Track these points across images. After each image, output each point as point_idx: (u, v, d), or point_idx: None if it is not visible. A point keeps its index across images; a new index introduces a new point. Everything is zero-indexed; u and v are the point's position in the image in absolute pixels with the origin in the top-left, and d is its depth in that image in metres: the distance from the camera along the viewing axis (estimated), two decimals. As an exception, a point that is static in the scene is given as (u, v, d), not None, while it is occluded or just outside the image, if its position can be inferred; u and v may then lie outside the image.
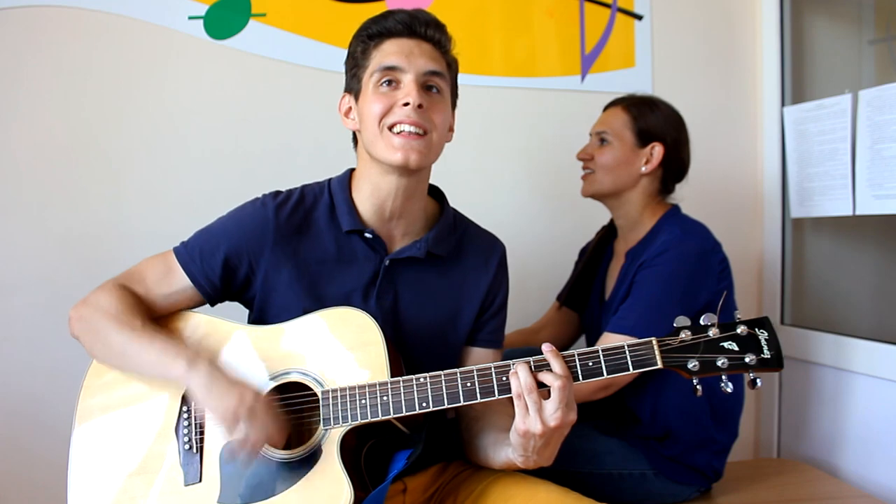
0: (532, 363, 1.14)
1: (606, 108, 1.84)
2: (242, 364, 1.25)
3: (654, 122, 1.75)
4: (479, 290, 1.40)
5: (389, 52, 1.27)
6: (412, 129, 1.24)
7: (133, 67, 1.92)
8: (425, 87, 1.27)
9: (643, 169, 1.73)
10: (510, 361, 1.16)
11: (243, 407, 1.13)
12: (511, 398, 1.15)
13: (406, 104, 1.24)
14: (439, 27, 1.31)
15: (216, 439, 1.22)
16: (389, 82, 1.27)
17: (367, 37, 1.30)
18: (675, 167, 1.77)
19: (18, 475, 1.83)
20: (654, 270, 1.63)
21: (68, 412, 1.28)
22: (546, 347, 1.14)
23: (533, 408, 1.10)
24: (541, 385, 1.12)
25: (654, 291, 1.61)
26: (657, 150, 1.73)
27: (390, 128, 1.25)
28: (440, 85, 1.30)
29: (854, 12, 2.26)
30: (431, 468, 1.41)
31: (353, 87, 1.33)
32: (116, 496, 1.21)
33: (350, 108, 1.35)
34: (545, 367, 1.13)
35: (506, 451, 1.21)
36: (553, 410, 1.10)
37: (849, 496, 1.75)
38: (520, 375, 1.12)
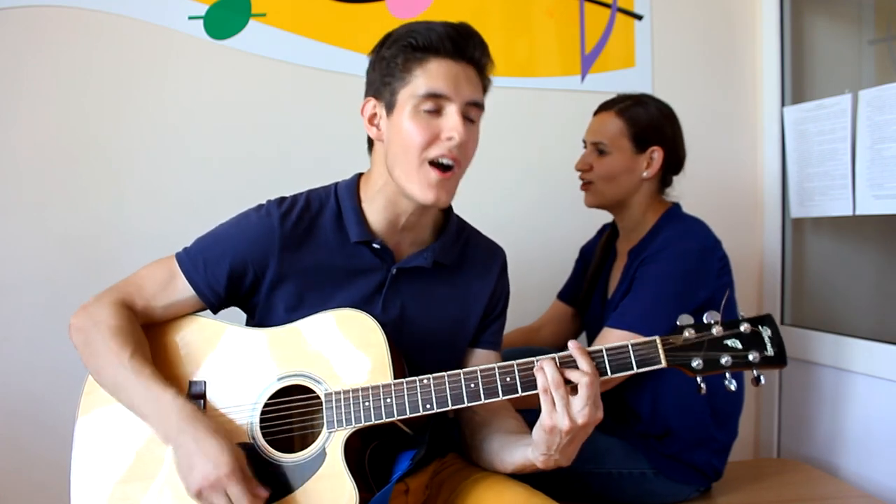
0: (558, 359, 1.13)
1: (597, 112, 1.80)
2: (245, 367, 1.25)
3: (649, 124, 1.72)
4: (483, 296, 1.40)
5: (436, 75, 1.20)
6: (450, 162, 1.22)
7: (133, 67, 1.92)
8: (465, 117, 1.23)
9: (645, 174, 1.72)
10: (513, 362, 1.16)
11: (203, 486, 1.11)
12: (515, 400, 1.16)
13: (450, 138, 1.20)
14: (484, 49, 1.26)
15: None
16: (432, 110, 1.21)
17: (410, 47, 1.22)
18: (673, 164, 1.76)
19: (18, 475, 1.83)
20: (654, 267, 1.63)
21: (68, 412, 1.28)
22: (572, 344, 1.14)
23: (560, 403, 1.10)
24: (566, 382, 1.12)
25: (655, 288, 1.61)
26: (657, 155, 1.71)
27: (431, 161, 1.22)
28: (477, 115, 1.27)
29: (854, 12, 2.26)
30: (431, 465, 1.41)
31: (384, 96, 1.26)
32: (119, 501, 1.20)
33: (375, 114, 1.28)
34: (570, 364, 1.13)
35: (523, 451, 1.19)
36: (581, 407, 1.09)
37: (849, 496, 1.75)
38: (546, 371, 1.12)
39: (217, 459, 1.11)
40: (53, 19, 1.87)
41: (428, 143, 1.21)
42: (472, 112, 1.24)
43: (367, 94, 1.30)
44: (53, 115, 1.88)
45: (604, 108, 1.79)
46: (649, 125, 1.72)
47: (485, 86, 1.28)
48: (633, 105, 1.74)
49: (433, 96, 1.20)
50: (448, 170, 1.22)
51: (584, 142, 1.81)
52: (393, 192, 1.29)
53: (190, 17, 1.95)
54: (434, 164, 1.22)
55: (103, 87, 1.90)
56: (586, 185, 1.79)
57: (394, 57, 1.23)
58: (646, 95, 1.78)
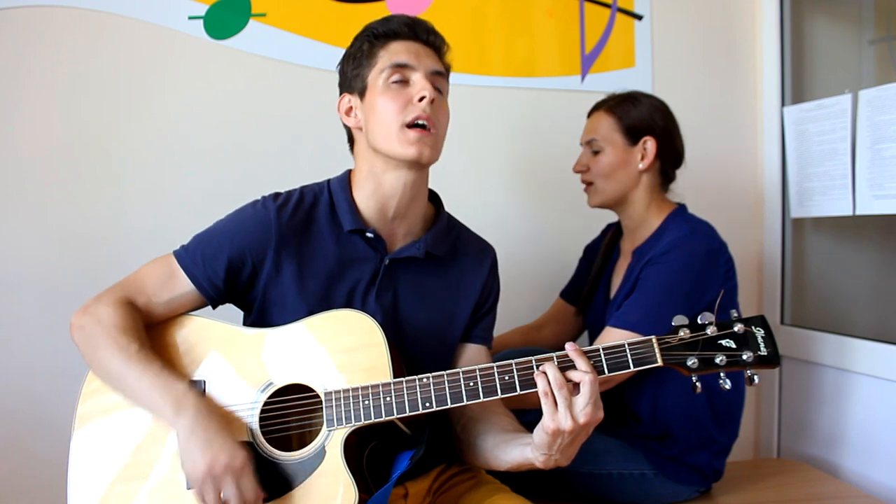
0: (556, 360, 1.15)
1: (590, 113, 1.83)
2: (245, 366, 1.25)
3: (639, 116, 1.74)
4: (474, 290, 1.42)
5: (398, 51, 1.31)
6: (426, 123, 1.28)
7: (133, 67, 1.92)
8: (433, 85, 1.30)
9: (641, 166, 1.73)
10: (512, 361, 1.17)
11: (214, 469, 1.12)
12: (512, 400, 1.17)
13: (421, 98, 1.28)
14: (440, 37, 1.37)
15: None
16: (399, 80, 1.30)
17: (372, 37, 1.33)
18: (670, 156, 1.76)
19: (18, 475, 1.83)
20: (660, 268, 1.62)
21: (68, 412, 1.28)
22: (569, 346, 1.16)
23: (563, 404, 1.11)
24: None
25: (660, 288, 1.61)
26: (650, 145, 1.72)
27: (408, 125, 1.28)
28: (443, 86, 1.35)
29: (854, 12, 2.26)
30: (432, 472, 1.42)
31: (355, 86, 1.35)
32: (116, 500, 1.21)
33: (351, 107, 1.37)
34: (569, 365, 1.14)
35: (521, 451, 1.20)
36: (583, 406, 1.10)
37: (849, 496, 1.75)
38: (548, 373, 1.13)
39: (234, 450, 1.14)
40: (53, 19, 1.87)
41: (401, 109, 1.28)
42: (438, 81, 1.33)
43: (340, 93, 1.40)
44: (54, 115, 1.88)
45: (595, 108, 1.82)
46: (639, 117, 1.74)
47: (445, 67, 1.37)
48: (623, 101, 1.77)
49: (398, 66, 1.30)
50: (425, 129, 1.28)
51: (581, 145, 1.83)
52: (379, 172, 1.33)
53: (190, 17, 1.95)
54: (411, 126, 1.28)
55: (103, 86, 1.90)
56: (587, 186, 1.80)
57: (358, 48, 1.35)
58: (638, 92, 1.80)
